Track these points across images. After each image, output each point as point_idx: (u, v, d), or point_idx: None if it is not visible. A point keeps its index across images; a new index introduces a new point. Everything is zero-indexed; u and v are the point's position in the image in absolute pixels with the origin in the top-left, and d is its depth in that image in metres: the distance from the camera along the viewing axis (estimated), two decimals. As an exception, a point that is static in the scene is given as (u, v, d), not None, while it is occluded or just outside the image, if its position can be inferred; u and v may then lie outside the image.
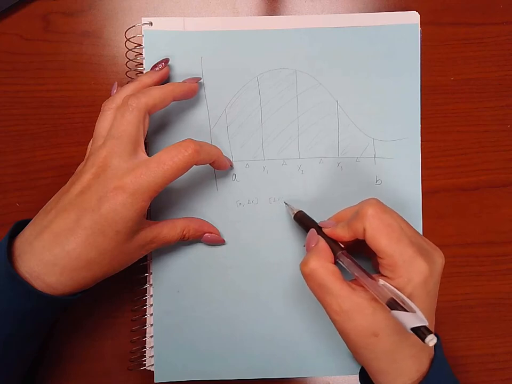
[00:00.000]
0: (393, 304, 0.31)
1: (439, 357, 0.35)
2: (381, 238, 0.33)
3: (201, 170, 0.43)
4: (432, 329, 0.35)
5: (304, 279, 0.35)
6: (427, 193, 0.44)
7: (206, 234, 0.41)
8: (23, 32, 0.44)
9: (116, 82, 0.41)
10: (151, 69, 0.41)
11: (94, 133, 0.38)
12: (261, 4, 0.44)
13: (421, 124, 0.44)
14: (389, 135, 0.43)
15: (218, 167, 0.40)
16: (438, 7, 0.44)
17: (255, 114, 0.43)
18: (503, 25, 0.44)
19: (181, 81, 0.41)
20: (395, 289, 0.32)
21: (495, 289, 0.45)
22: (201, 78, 0.42)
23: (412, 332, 0.29)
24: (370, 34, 0.43)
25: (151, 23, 0.43)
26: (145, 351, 0.43)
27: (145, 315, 0.43)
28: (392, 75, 0.44)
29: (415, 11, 0.44)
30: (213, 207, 0.43)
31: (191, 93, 0.41)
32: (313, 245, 0.36)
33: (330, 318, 0.34)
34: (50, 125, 0.44)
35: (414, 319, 0.29)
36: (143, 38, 0.43)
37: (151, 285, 0.43)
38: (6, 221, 0.44)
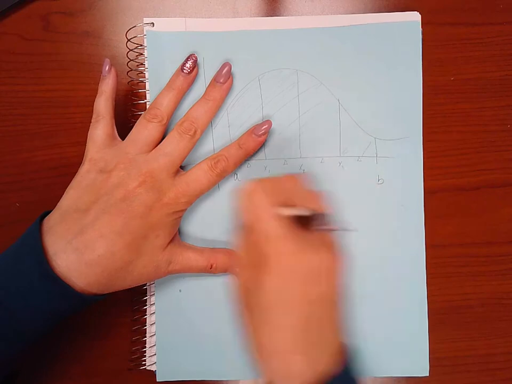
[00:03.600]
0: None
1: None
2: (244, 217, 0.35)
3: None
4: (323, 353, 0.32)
5: None
6: (427, 193, 0.44)
7: (234, 270, 0.39)
8: (23, 32, 0.44)
9: (107, 60, 0.40)
10: (181, 69, 0.41)
11: (130, 136, 0.39)
12: (261, 5, 0.44)
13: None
14: (391, 134, 0.43)
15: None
16: (438, 7, 0.44)
17: (256, 114, 0.43)
18: (503, 25, 0.44)
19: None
20: None
21: (495, 289, 0.45)
22: (230, 65, 0.41)
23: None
24: (371, 32, 0.43)
25: (152, 24, 0.43)
26: (145, 350, 0.43)
27: (146, 315, 0.43)
28: (394, 73, 0.43)
29: (416, 11, 0.43)
30: (215, 206, 0.43)
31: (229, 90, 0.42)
32: None
33: None
34: (50, 125, 0.44)
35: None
36: (145, 38, 0.43)
37: (153, 284, 0.43)
38: (6, 221, 0.43)
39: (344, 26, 0.43)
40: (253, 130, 0.41)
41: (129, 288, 0.43)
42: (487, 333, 0.45)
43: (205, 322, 0.43)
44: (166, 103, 0.39)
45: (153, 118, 0.39)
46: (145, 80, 0.43)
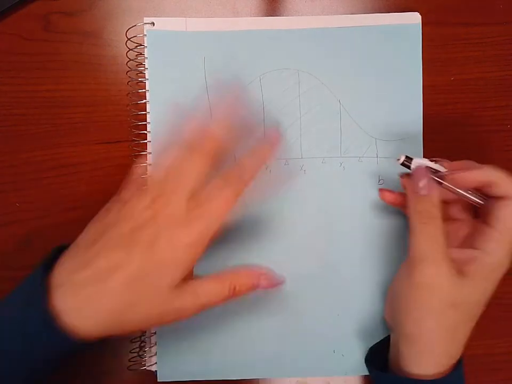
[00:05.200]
0: None
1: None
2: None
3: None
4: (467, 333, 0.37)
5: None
6: (427, 193, 0.44)
7: (261, 281, 0.36)
8: (23, 32, 0.44)
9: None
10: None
11: (156, 162, 0.38)
12: (261, 5, 0.44)
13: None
14: (391, 135, 0.43)
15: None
16: (438, 7, 0.44)
17: (257, 114, 0.43)
18: (503, 25, 0.45)
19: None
20: None
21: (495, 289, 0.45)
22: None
23: None
24: (373, 34, 0.43)
25: (153, 23, 0.43)
26: (145, 351, 0.43)
27: (146, 315, 0.43)
28: (394, 75, 0.43)
29: (416, 12, 0.43)
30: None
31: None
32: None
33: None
34: (50, 125, 0.44)
35: None
36: (145, 38, 0.43)
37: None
38: (6, 220, 0.43)
39: (346, 27, 0.43)
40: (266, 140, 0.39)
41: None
42: (487, 333, 0.45)
43: (205, 322, 0.43)
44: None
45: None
46: (145, 80, 0.43)
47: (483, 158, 0.44)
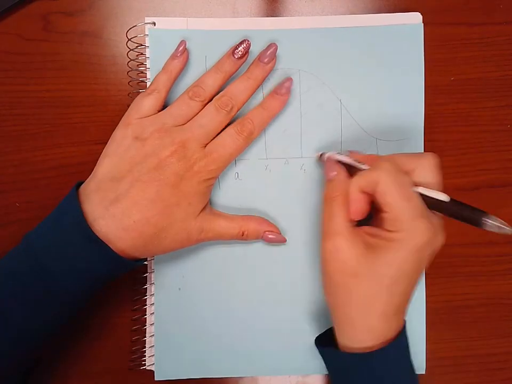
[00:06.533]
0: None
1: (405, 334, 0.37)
2: (391, 193, 0.34)
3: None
4: (403, 315, 0.36)
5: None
6: (427, 193, 0.44)
7: (267, 233, 0.42)
8: (23, 32, 0.44)
9: (184, 41, 0.41)
10: (232, 53, 0.40)
11: (169, 109, 0.39)
12: (261, 5, 0.44)
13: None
14: (392, 135, 0.43)
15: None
16: (438, 7, 0.44)
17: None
18: (503, 25, 0.45)
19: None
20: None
21: (495, 289, 0.45)
22: (277, 46, 0.41)
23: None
24: (374, 34, 0.43)
25: (154, 23, 0.43)
26: (145, 350, 0.43)
27: (146, 315, 0.43)
28: (396, 75, 0.43)
29: (417, 12, 0.43)
30: (216, 206, 0.43)
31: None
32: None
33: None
34: (50, 125, 0.44)
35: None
36: (147, 37, 0.43)
37: (152, 283, 0.43)
38: (6, 220, 0.43)
39: (347, 27, 0.43)
40: (275, 90, 0.41)
41: (129, 288, 0.43)
42: (487, 333, 0.45)
43: (204, 321, 0.43)
44: (211, 84, 0.40)
45: (196, 97, 0.39)
46: (145, 80, 0.43)
47: (483, 158, 0.45)
